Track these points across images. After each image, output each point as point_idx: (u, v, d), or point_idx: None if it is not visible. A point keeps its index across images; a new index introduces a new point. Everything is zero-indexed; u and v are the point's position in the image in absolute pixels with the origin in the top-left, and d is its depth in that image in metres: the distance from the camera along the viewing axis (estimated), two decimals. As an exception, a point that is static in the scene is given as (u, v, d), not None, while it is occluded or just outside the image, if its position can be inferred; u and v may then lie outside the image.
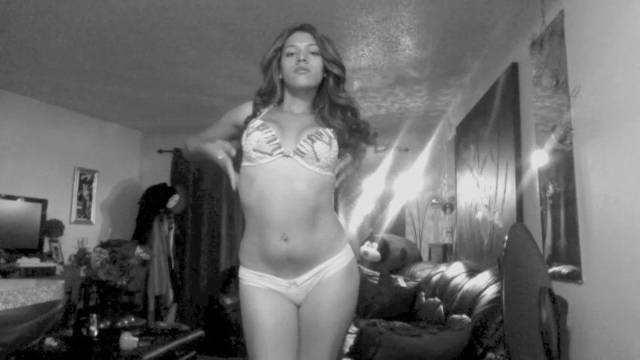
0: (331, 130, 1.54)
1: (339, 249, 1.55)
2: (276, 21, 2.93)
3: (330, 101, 1.58)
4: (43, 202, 4.53)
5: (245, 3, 2.83)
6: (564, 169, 2.13)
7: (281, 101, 1.64)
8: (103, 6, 2.87)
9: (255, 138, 1.48)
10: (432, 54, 3.53)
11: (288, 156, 1.46)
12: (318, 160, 1.47)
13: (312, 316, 1.51)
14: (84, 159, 5.18)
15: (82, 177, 5.17)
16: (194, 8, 2.89)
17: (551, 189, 2.28)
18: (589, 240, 1.94)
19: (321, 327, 1.50)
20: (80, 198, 5.13)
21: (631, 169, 1.67)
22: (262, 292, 1.51)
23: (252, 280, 1.53)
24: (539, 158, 2.41)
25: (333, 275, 1.51)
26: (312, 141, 1.48)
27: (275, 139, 1.47)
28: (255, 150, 1.47)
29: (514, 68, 2.80)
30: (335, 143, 1.52)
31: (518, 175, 2.69)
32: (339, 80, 1.60)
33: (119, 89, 4.41)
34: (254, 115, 1.59)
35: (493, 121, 3.15)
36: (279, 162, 1.46)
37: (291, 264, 1.48)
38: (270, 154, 1.46)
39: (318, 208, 1.48)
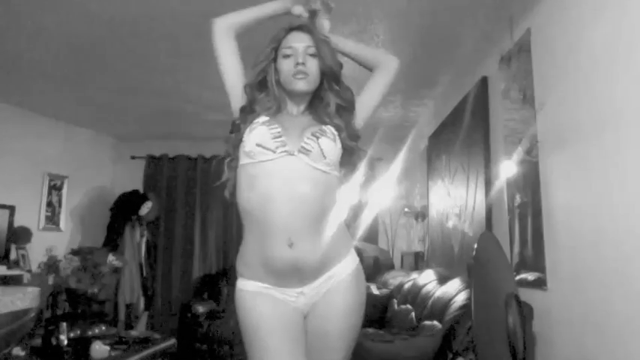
0: (332, 127, 1.47)
1: (346, 254, 1.47)
2: (252, 31, 2.96)
3: (327, 100, 1.51)
4: (11, 209, 4.41)
5: (221, 13, 2.85)
6: (531, 180, 2.22)
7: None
8: (78, 12, 2.84)
9: (259, 132, 1.40)
10: (404, 66, 3.58)
11: (292, 154, 1.38)
12: (324, 157, 1.40)
13: (320, 327, 1.42)
14: (54, 164, 5.07)
15: (52, 183, 5.06)
16: (170, 17, 2.90)
17: (518, 199, 2.37)
18: (553, 248, 2.02)
19: (331, 337, 1.42)
20: (49, 204, 5.02)
21: (592, 182, 1.76)
22: (266, 297, 1.40)
23: (253, 289, 1.42)
24: (507, 169, 2.50)
25: (341, 282, 1.42)
26: (317, 137, 1.41)
27: (281, 136, 1.39)
28: (257, 145, 1.38)
29: (484, 82, 2.90)
30: (339, 140, 1.46)
31: (488, 185, 2.78)
32: (337, 79, 1.53)
33: (91, 94, 4.35)
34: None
35: (464, 132, 3.24)
36: (281, 161, 1.37)
37: (297, 272, 1.38)
38: (273, 151, 1.38)
39: (325, 211, 1.41)
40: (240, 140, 1.44)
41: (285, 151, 1.38)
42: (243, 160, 1.43)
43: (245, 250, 1.45)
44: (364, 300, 1.49)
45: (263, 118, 1.44)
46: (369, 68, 1.64)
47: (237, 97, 1.53)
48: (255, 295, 1.40)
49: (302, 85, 1.48)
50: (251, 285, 1.42)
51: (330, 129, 1.46)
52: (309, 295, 1.41)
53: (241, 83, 1.52)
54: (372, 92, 1.61)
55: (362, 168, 1.55)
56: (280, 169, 1.37)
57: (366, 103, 1.58)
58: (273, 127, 1.41)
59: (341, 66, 1.55)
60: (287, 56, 1.48)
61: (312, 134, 1.42)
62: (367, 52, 1.66)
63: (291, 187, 1.36)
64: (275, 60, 1.51)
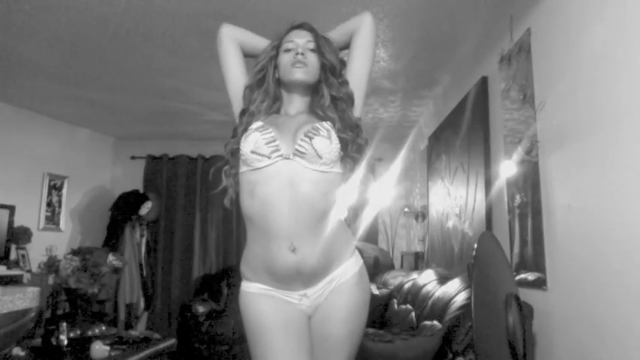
0: (328, 122, 1.44)
1: (349, 255, 1.46)
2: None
3: (324, 94, 1.49)
4: (11, 209, 4.42)
5: (222, 13, 2.85)
6: (530, 180, 2.22)
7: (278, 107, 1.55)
8: (78, 12, 2.85)
9: (253, 139, 1.39)
10: (405, 66, 3.62)
11: (287, 158, 1.36)
12: (320, 157, 1.37)
13: (323, 329, 1.41)
14: (54, 164, 5.08)
15: (52, 183, 5.06)
16: (172, 16, 2.90)
17: (518, 199, 2.37)
18: (553, 248, 2.02)
19: (334, 340, 1.41)
20: (49, 204, 5.03)
21: (592, 181, 1.76)
22: (269, 298, 1.40)
23: (257, 290, 1.43)
24: (507, 169, 2.50)
25: (345, 284, 1.41)
26: (310, 138, 1.38)
27: (274, 141, 1.37)
28: (252, 152, 1.38)
29: (484, 82, 2.90)
30: (334, 136, 1.42)
31: (488, 185, 2.78)
32: (335, 73, 1.50)
33: (92, 94, 4.35)
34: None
35: (464, 132, 3.24)
36: (279, 166, 1.36)
37: (300, 276, 1.38)
38: (268, 157, 1.36)
39: (327, 212, 1.39)
40: (237, 148, 1.44)
41: (279, 156, 1.37)
42: (242, 167, 1.43)
43: (248, 254, 1.45)
44: (368, 302, 1.48)
45: (257, 124, 1.44)
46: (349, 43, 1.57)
47: (239, 105, 1.54)
48: (258, 296, 1.41)
49: (300, 75, 1.47)
50: (255, 287, 1.43)
51: (324, 125, 1.43)
52: (312, 298, 1.41)
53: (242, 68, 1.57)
54: (361, 57, 1.54)
55: (365, 158, 1.52)
56: (278, 174, 1.36)
57: (359, 70, 1.53)
58: (266, 133, 1.40)
59: (343, 63, 1.54)
60: (288, 50, 1.49)
61: (305, 134, 1.39)
62: (341, 31, 1.58)
63: (291, 190, 1.35)
64: (276, 57, 1.52)
